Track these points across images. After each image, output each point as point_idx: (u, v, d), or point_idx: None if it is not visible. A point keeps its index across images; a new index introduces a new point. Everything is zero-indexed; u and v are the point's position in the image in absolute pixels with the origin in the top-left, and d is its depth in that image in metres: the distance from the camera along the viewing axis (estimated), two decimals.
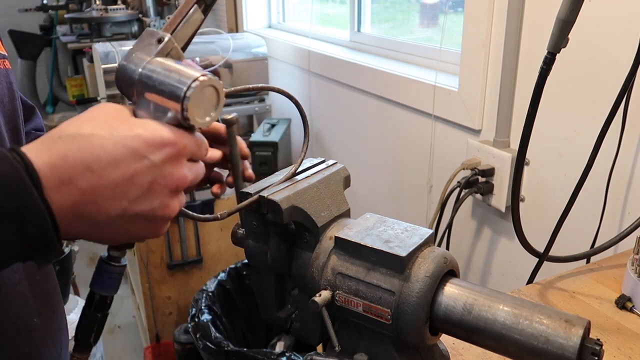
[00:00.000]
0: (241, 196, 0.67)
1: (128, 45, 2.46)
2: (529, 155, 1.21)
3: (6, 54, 0.75)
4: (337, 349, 0.64)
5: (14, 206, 0.45)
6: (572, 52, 0.99)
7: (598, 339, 0.53)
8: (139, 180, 0.49)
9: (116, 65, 2.28)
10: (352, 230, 0.65)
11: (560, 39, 0.83)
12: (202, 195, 2.25)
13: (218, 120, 0.65)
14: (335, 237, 0.65)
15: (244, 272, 2.20)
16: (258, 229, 0.68)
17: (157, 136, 0.50)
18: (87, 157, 0.48)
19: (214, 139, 0.71)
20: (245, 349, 1.70)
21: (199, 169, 0.56)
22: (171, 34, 0.55)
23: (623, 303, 0.95)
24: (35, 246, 0.48)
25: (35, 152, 0.48)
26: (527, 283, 1.11)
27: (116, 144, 0.49)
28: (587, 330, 0.54)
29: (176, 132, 0.52)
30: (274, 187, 0.67)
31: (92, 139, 0.48)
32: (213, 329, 1.82)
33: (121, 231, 0.52)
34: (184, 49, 0.57)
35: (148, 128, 0.51)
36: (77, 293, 2.61)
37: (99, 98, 2.47)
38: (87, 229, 0.50)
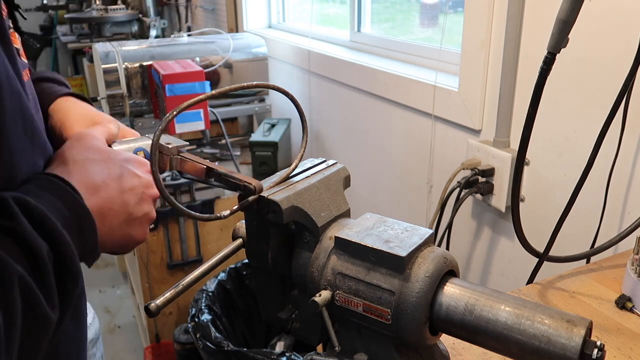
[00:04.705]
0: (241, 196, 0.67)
1: (128, 45, 2.45)
2: (529, 155, 1.21)
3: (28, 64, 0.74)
4: (337, 349, 0.64)
5: (74, 218, 0.54)
6: (572, 52, 0.99)
7: (601, 344, 0.52)
8: (134, 190, 0.61)
9: (116, 65, 2.30)
10: (352, 230, 0.65)
11: (560, 39, 0.83)
12: (202, 195, 2.25)
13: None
14: (335, 237, 0.64)
15: (244, 272, 2.20)
16: (258, 229, 0.68)
17: (135, 157, 0.66)
18: (100, 176, 0.59)
19: None
20: (245, 349, 1.70)
21: None
22: None
23: (623, 303, 0.95)
24: (88, 249, 0.57)
25: (67, 175, 0.58)
26: (527, 283, 1.11)
27: (117, 166, 0.62)
28: (589, 330, 0.54)
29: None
30: (274, 187, 0.67)
31: (93, 163, 0.61)
32: (213, 329, 1.82)
33: (125, 235, 0.62)
34: None
35: (125, 154, 0.65)
36: None
37: (98, 98, 2.46)
38: (104, 233, 0.60)
